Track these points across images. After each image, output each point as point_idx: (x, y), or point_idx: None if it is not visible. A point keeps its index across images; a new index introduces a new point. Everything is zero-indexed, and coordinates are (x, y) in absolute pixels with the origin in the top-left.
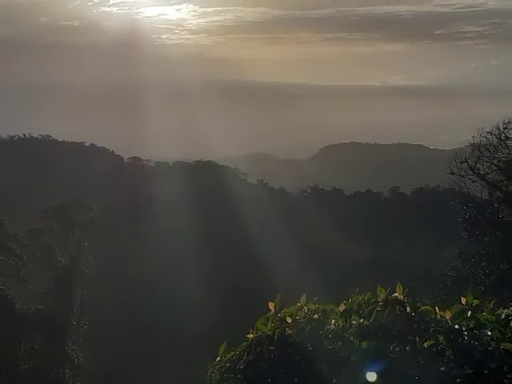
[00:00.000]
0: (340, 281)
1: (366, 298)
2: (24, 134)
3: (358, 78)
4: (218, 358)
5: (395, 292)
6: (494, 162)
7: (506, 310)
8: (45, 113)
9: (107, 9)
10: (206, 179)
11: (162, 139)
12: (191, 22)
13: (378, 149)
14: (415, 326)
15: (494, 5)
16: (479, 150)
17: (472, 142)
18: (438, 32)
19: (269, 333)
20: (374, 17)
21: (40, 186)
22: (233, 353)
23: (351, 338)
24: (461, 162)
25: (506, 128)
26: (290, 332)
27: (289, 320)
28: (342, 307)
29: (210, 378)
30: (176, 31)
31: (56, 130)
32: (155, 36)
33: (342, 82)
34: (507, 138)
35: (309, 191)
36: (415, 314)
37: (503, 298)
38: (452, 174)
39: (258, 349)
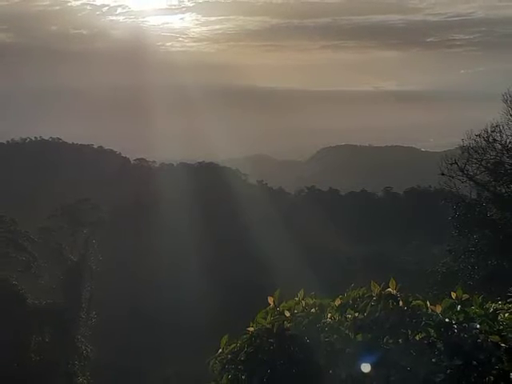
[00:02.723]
0: (336, 276)
1: (360, 293)
2: (35, 137)
3: (353, 83)
4: (220, 350)
5: (388, 287)
6: (483, 163)
7: (494, 304)
8: (55, 116)
9: (114, 18)
10: (208, 180)
11: (167, 141)
12: (194, 30)
13: (372, 151)
14: (407, 319)
15: (483, 14)
16: (468, 152)
17: (461, 144)
18: (429, 40)
19: (268, 326)
20: (368, 25)
21: (50, 186)
22: (234, 345)
23: (346, 331)
24: (451, 164)
25: (493, 131)
26: (288, 325)
27: (287, 314)
28: (337, 302)
29: (212, 369)
30: (180, 39)
31: (65, 132)
32: (160, 44)
33: (338, 88)
34: (495, 140)
35: (306, 191)
36: (407, 308)
37: (491, 292)
38: (442, 175)
39: (258, 341)
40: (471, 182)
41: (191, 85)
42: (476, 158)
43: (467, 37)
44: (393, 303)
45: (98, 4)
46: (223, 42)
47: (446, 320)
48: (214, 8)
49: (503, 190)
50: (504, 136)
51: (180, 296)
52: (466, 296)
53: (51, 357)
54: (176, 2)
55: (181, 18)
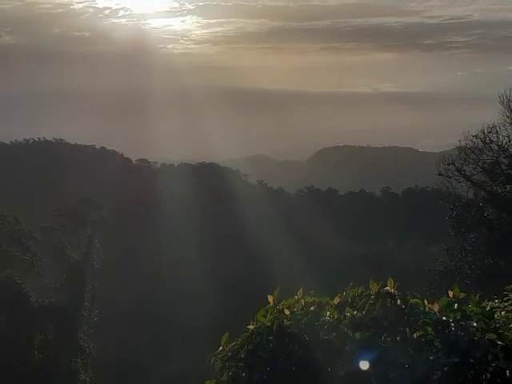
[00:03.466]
0: (335, 275)
1: (359, 291)
2: (38, 138)
3: (352, 84)
4: (221, 348)
5: (387, 286)
6: (479, 163)
7: (490, 303)
8: (58, 118)
9: (116, 20)
10: (209, 180)
11: (168, 142)
12: (195, 32)
13: (371, 151)
14: (405, 317)
15: (480, 16)
16: (465, 153)
17: (458, 145)
18: (426, 42)
19: (268, 324)
20: (367, 28)
21: (53, 187)
22: (234, 342)
23: (345, 329)
24: (448, 164)
25: (490, 132)
26: (287, 323)
27: (287, 312)
28: (336, 300)
29: (213, 366)
30: (181, 41)
31: (68, 133)
32: (161, 46)
33: (337, 89)
34: (491, 141)
35: (305, 191)
36: (405, 306)
37: (488, 291)
38: (440, 175)
39: (258, 339)
40: (468, 182)
41: (192, 86)
42: (473, 159)
43: (464, 39)
44: (391, 302)
45: (101, 7)
46: (224, 44)
47: (444, 318)
48: (215, 11)
49: (499, 190)
50: (500, 137)
51: (181, 294)
52: (462, 294)
53: (54, 354)
54: (177, 5)
55: (182, 21)
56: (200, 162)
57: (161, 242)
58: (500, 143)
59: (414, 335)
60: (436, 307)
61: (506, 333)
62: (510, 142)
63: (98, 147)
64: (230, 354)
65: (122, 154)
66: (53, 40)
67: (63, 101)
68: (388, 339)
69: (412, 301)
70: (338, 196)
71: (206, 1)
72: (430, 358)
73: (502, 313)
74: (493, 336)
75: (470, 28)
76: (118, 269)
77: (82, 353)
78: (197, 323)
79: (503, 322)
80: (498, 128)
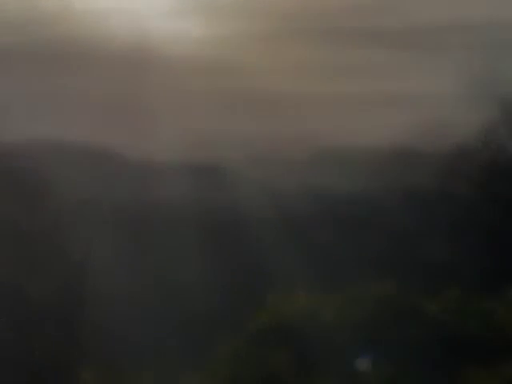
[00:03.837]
0: (335, 275)
1: (359, 291)
2: (38, 138)
3: (352, 84)
4: (222, 348)
5: (387, 286)
6: (479, 163)
7: (489, 303)
8: (58, 118)
9: (118, 21)
10: (209, 180)
11: (168, 142)
12: (197, 33)
13: (372, 152)
14: (405, 316)
15: (480, 16)
16: (465, 153)
17: (458, 144)
18: (427, 42)
19: (269, 323)
20: (367, 28)
21: (53, 187)
22: (235, 342)
23: (345, 329)
24: (448, 164)
25: (489, 132)
26: (289, 323)
27: (288, 312)
28: (338, 300)
29: (215, 364)
30: (182, 42)
31: (69, 133)
32: (162, 46)
33: (338, 89)
34: (491, 141)
35: (305, 191)
36: (406, 305)
37: (488, 291)
38: (440, 175)
39: (259, 338)
40: (468, 182)
41: (193, 86)
42: (472, 158)
43: (465, 39)
44: (391, 301)
45: (102, 7)
46: (225, 44)
47: (444, 317)
48: (216, 11)
49: (499, 190)
50: (499, 136)
51: (181, 294)
52: (463, 294)
53: (55, 355)
54: (178, 6)
55: (184, 21)
56: (201, 161)
57: (161, 242)
58: (499, 143)
59: (415, 334)
60: (436, 307)
61: (505, 332)
62: (509, 141)
63: (98, 147)
64: (231, 353)
65: (122, 154)
66: (53, 40)
67: (63, 101)
68: (388, 338)
69: (412, 301)
70: (337, 196)
71: (207, 1)
72: (430, 356)
73: (502, 312)
74: (492, 335)
75: (469, 28)
76: (118, 269)
77: (83, 353)
78: (197, 323)
79: (503, 321)
80: (497, 128)
